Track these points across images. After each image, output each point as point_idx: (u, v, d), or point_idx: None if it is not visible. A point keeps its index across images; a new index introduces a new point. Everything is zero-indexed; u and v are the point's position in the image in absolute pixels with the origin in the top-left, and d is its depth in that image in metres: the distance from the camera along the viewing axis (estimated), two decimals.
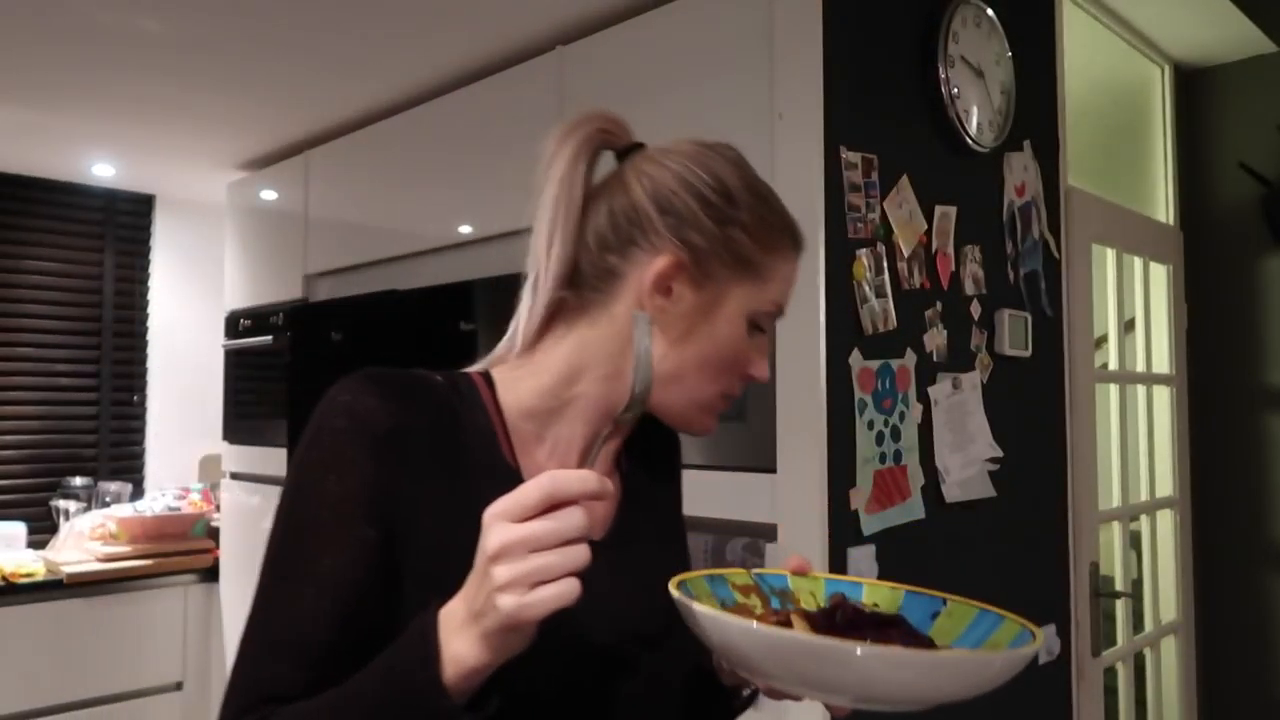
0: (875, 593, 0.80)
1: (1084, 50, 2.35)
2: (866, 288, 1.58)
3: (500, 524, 0.59)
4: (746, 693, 0.88)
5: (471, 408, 0.76)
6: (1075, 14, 2.27)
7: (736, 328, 0.77)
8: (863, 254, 1.57)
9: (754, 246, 0.77)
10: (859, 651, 0.58)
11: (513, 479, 0.74)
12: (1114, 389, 2.39)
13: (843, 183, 1.55)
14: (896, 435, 1.62)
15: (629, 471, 0.87)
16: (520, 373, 0.80)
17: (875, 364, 1.59)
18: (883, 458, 1.59)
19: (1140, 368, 2.56)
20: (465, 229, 2.30)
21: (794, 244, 0.81)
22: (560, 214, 0.78)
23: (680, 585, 0.70)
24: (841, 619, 0.70)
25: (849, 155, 1.56)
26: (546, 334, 0.80)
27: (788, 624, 0.69)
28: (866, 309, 1.57)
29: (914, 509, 1.65)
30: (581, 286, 0.78)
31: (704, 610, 0.63)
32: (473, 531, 0.61)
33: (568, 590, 0.58)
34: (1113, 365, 2.43)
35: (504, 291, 2.49)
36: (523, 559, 0.58)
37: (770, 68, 1.60)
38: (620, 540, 0.82)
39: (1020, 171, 1.97)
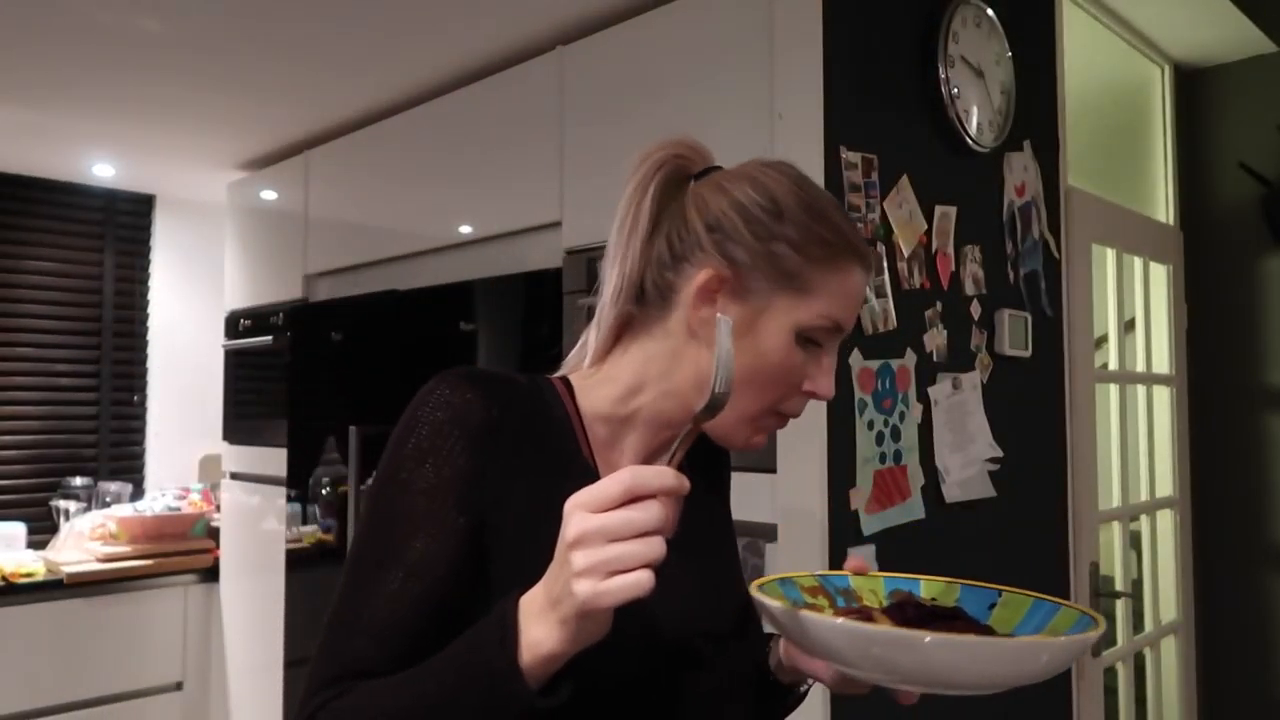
0: (932, 588, 0.84)
1: (1084, 50, 2.35)
2: (867, 288, 1.58)
3: (580, 513, 0.61)
4: (803, 689, 0.93)
5: (555, 409, 0.81)
6: (1075, 14, 2.27)
7: (781, 342, 0.78)
8: None
9: (799, 260, 0.78)
10: (928, 639, 0.63)
11: (592, 477, 0.78)
12: (1114, 389, 2.39)
13: (843, 183, 1.55)
14: (896, 435, 1.62)
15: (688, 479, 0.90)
16: (592, 381, 0.84)
17: (875, 364, 1.59)
18: (883, 458, 1.59)
19: (1140, 368, 2.56)
20: (465, 229, 2.30)
21: (850, 258, 0.80)
22: (625, 234, 0.83)
23: (759, 589, 0.74)
24: (913, 614, 0.74)
25: (849, 155, 1.56)
26: (615, 346, 0.85)
27: (869, 619, 0.73)
28: (866, 309, 1.57)
29: (914, 509, 1.65)
30: (646, 303, 0.83)
31: (808, 615, 0.68)
32: (555, 525, 0.63)
33: (642, 580, 0.60)
34: (1113, 365, 2.43)
35: (504, 291, 2.49)
36: (600, 547, 0.60)
37: (770, 68, 1.60)
38: (684, 543, 0.84)
39: (1020, 171, 1.97)
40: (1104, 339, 2.46)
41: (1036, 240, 2.02)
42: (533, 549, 0.69)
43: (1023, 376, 1.96)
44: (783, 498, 1.54)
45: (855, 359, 1.55)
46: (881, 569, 1.57)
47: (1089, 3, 2.31)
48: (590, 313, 0.87)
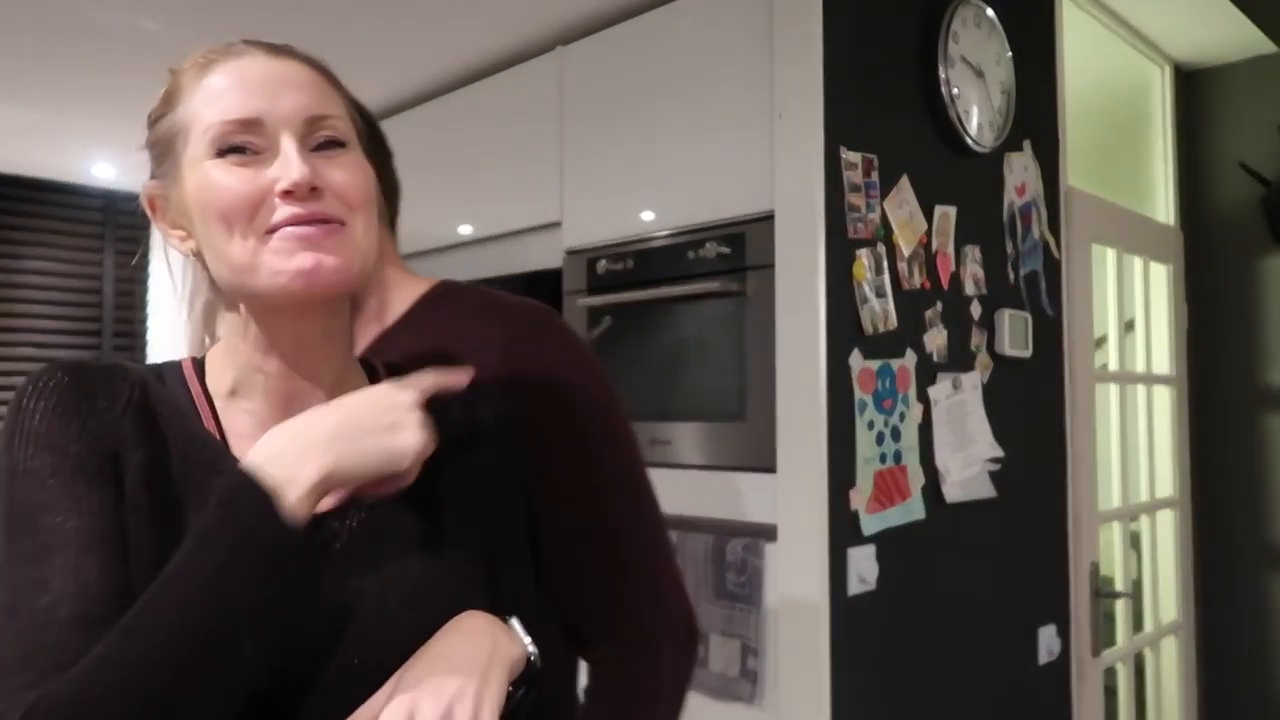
0: None
1: (1084, 50, 2.35)
2: (866, 288, 1.58)
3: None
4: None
5: (175, 389, 0.80)
6: (1075, 14, 2.27)
7: (199, 174, 0.75)
8: (863, 254, 1.58)
9: (159, 112, 0.81)
10: None
11: (217, 448, 0.76)
12: (1114, 389, 2.39)
13: (843, 183, 1.55)
14: (896, 435, 1.62)
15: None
16: (209, 357, 0.84)
17: (875, 364, 1.59)
18: (883, 458, 1.59)
19: (1140, 368, 2.56)
20: (465, 229, 2.30)
21: (203, 62, 0.82)
22: None
23: None
24: None
25: (849, 155, 1.56)
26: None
27: None
28: (866, 309, 1.57)
29: (914, 509, 1.65)
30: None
31: None
32: (188, 498, 0.72)
33: None
34: (1113, 365, 2.43)
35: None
36: None
37: (770, 68, 1.60)
38: (397, 542, 0.78)
39: (1020, 171, 1.97)
40: (1104, 339, 2.46)
41: (1036, 240, 2.02)
42: (169, 520, 0.70)
43: (1023, 376, 1.96)
44: (783, 498, 1.54)
45: (855, 359, 1.55)
46: (881, 569, 1.58)
47: (1089, 3, 2.31)
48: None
